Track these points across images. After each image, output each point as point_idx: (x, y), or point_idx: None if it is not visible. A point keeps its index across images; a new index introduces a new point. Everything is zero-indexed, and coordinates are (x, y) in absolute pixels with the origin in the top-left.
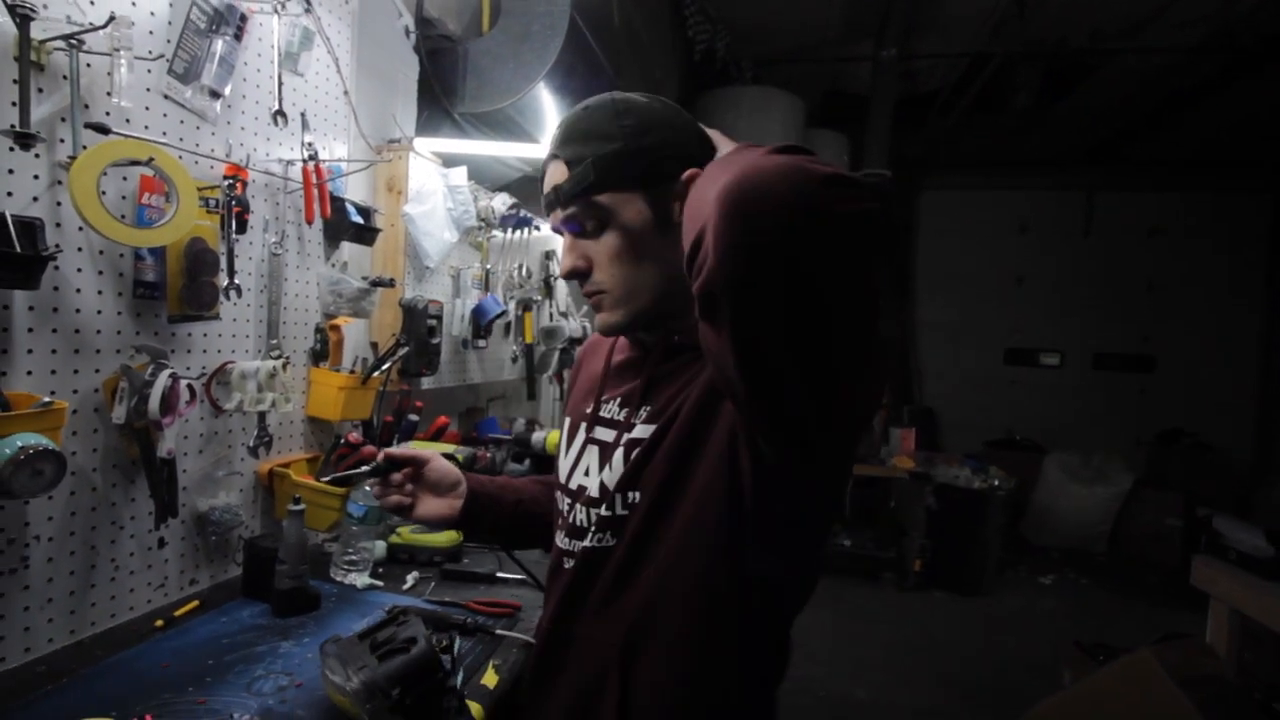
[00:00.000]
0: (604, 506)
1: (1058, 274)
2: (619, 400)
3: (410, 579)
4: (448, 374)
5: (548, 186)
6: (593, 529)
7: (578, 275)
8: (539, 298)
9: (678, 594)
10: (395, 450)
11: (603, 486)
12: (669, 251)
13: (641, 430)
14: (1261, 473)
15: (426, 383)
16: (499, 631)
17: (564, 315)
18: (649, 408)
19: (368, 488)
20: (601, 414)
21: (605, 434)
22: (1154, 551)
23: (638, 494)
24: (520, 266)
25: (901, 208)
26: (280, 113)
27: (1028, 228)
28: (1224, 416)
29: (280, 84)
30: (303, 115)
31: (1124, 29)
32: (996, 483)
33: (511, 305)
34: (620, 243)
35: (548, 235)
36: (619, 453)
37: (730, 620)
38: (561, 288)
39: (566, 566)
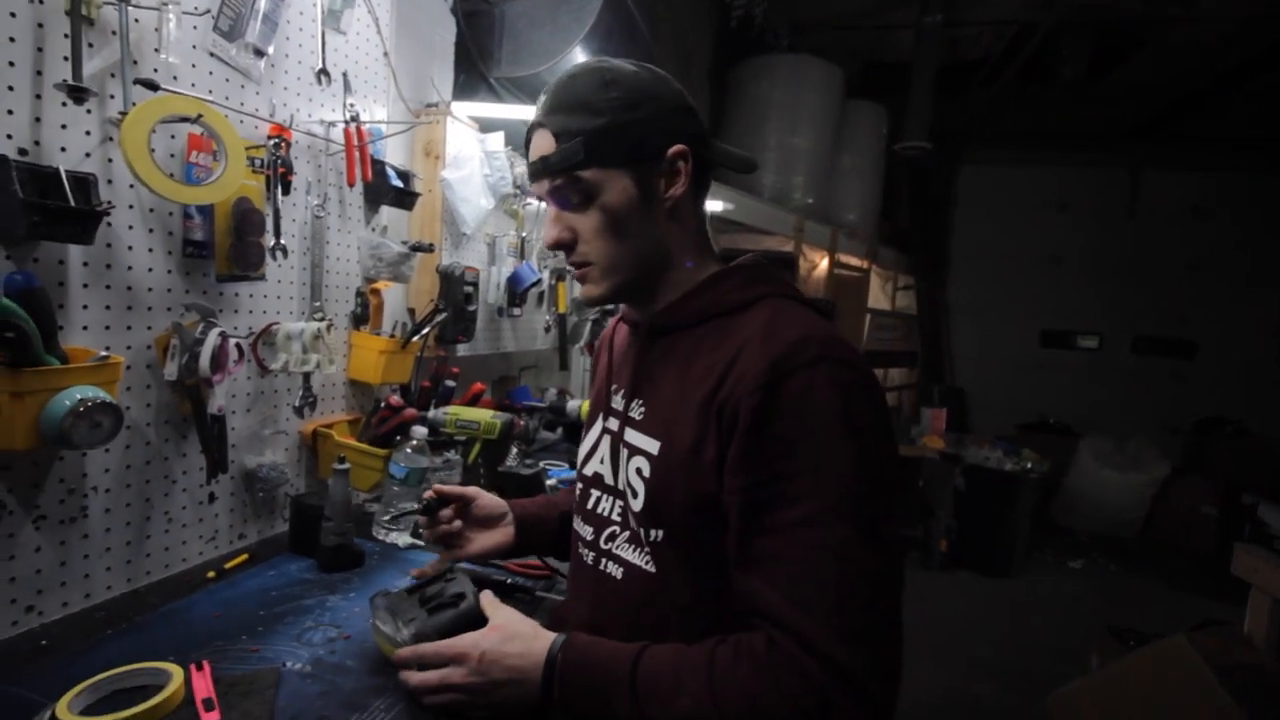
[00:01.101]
0: (637, 524)
1: (1097, 254)
2: (623, 391)
3: None
4: (482, 341)
5: (534, 155)
6: (630, 545)
7: (562, 247)
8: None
9: (719, 609)
10: (444, 487)
11: (624, 485)
12: (652, 226)
13: (638, 437)
14: None
15: (462, 349)
16: (539, 594)
17: None
18: (639, 400)
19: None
20: (612, 404)
21: (614, 424)
22: (1187, 539)
23: (660, 533)
24: None
25: (940, 183)
26: (324, 72)
27: (1068, 205)
28: (1267, 403)
29: (324, 42)
30: (345, 75)
31: None
32: (1029, 465)
33: (545, 274)
34: (605, 218)
35: None
36: (623, 453)
37: None
38: None
39: (587, 560)
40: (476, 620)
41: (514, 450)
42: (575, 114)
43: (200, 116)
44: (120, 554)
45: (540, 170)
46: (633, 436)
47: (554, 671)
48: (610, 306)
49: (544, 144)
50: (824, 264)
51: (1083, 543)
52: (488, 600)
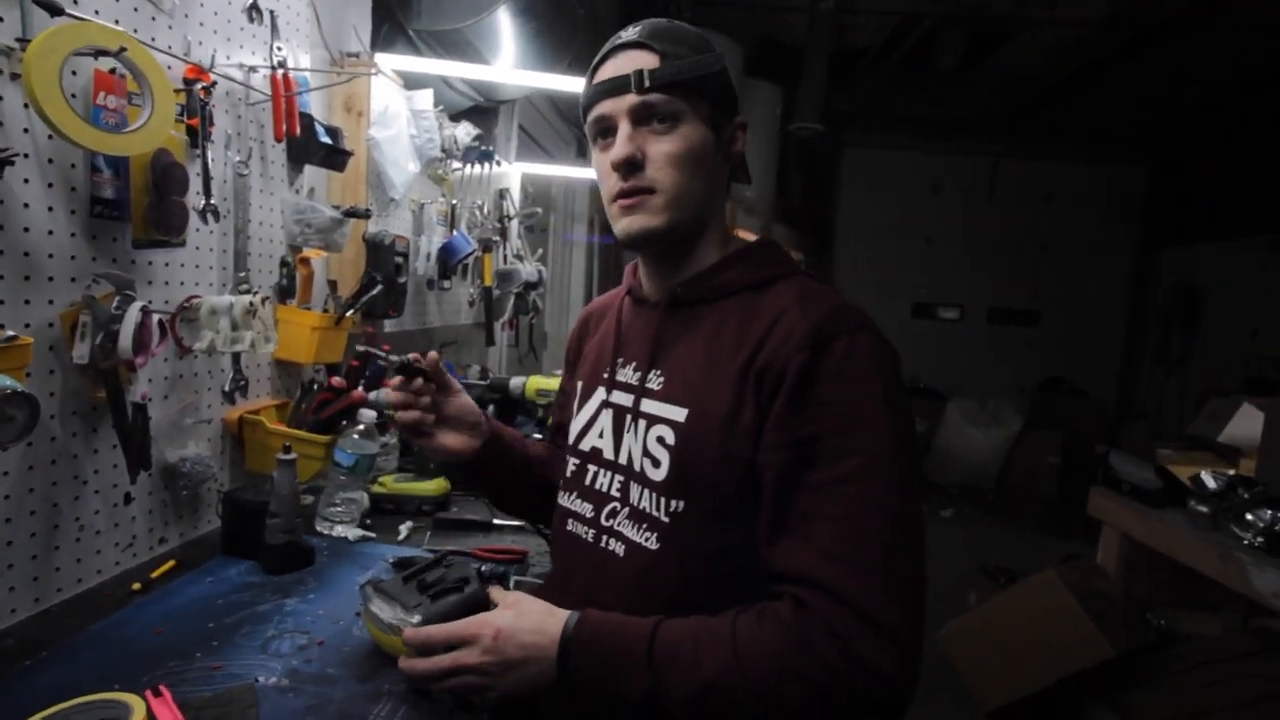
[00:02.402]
0: (645, 500)
1: (964, 234)
2: (634, 364)
3: (404, 529)
4: (409, 316)
5: (627, 68)
6: (630, 522)
7: (632, 165)
8: (497, 239)
9: (721, 588)
10: (427, 358)
11: (629, 459)
12: (715, 177)
13: (659, 407)
14: (1123, 414)
15: (389, 325)
16: (516, 578)
17: (518, 258)
18: (659, 371)
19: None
20: (618, 378)
21: (622, 398)
22: (1035, 486)
23: (682, 503)
24: (481, 205)
25: (826, 164)
26: (255, 8)
27: (940, 189)
28: (1095, 365)
29: None
30: (272, 14)
31: None
32: None
33: (475, 245)
34: (687, 146)
35: (503, 172)
36: (641, 425)
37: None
38: (515, 229)
39: (587, 538)
40: (482, 605)
41: None
42: (683, 45)
43: (123, 50)
44: (25, 570)
45: (634, 82)
46: (652, 406)
47: (569, 647)
48: (534, 279)
49: (645, 60)
50: None
51: (952, 495)
52: (493, 587)
